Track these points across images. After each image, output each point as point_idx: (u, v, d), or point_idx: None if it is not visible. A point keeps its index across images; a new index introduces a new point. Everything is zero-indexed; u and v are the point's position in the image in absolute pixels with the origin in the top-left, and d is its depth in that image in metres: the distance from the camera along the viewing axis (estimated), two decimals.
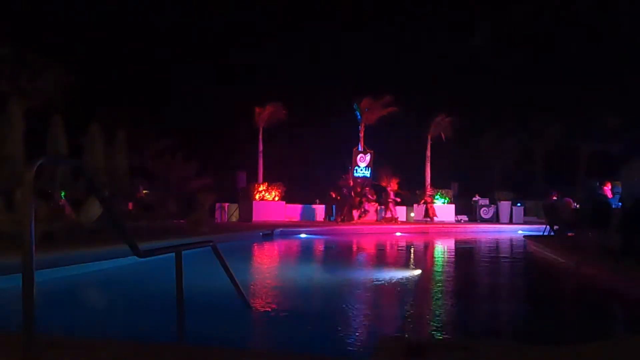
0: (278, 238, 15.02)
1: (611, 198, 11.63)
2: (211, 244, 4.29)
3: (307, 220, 22.54)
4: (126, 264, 7.46)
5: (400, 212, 22.96)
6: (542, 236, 13.40)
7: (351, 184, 22.15)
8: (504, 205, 23.53)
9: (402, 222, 21.76)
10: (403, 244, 15.27)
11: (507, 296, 6.87)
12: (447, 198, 24.36)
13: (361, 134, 25.11)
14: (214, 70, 28.93)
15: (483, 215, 23.42)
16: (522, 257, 11.53)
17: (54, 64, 18.08)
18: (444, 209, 23.90)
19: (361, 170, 24.58)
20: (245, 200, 22.30)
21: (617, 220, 8.34)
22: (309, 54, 27.73)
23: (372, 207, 22.39)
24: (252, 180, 23.27)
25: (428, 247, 14.42)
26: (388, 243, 15.16)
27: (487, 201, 23.82)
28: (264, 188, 22.31)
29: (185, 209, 14.43)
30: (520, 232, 17.99)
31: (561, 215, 12.70)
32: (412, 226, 20.23)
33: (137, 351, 2.85)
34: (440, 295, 6.60)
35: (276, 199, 22.33)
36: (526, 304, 6.31)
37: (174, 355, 2.85)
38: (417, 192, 24.07)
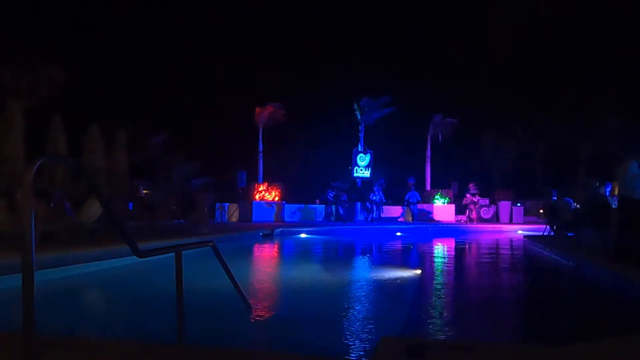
0: (278, 238, 15.02)
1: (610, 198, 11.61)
2: (211, 244, 4.29)
3: (307, 220, 22.53)
4: (126, 264, 7.46)
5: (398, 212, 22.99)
6: (542, 236, 13.39)
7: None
8: (504, 205, 23.54)
9: (402, 222, 21.78)
10: (403, 244, 15.27)
11: (507, 296, 6.86)
12: (447, 198, 24.37)
13: (361, 134, 25.13)
14: (215, 70, 28.94)
15: (483, 215, 23.42)
16: (522, 258, 11.52)
17: (54, 64, 18.06)
18: (444, 209, 23.91)
19: (361, 170, 24.57)
20: (245, 200, 22.30)
21: (617, 220, 8.32)
22: (310, 54, 27.75)
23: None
24: (252, 180, 23.27)
25: (427, 247, 14.41)
26: (388, 243, 15.16)
27: (487, 201, 23.82)
28: (264, 188, 22.31)
29: (185, 209, 14.43)
30: (520, 232, 17.98)
31: (561, 215, 12.70)
32: (412, 226, 20.23)
33: (136, 351, 2.85)
34: (439, 296, 6.60)
35: (276, 199, 22.34)
36: (526, 304, 6.31)
37: (174, 355, 2.84)
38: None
